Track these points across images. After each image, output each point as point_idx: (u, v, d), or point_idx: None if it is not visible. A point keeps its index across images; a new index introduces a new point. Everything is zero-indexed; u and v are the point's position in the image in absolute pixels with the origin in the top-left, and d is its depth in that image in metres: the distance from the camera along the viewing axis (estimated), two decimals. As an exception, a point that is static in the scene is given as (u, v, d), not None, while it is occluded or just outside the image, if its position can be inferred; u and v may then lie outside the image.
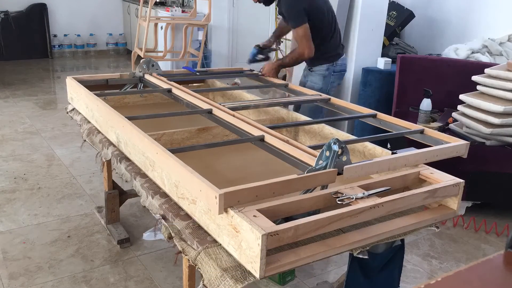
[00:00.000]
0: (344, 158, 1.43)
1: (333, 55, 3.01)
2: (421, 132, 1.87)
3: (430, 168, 1.61)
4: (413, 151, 1.63)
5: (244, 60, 5.94)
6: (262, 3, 2.95)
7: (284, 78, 4.75)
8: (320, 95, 2.42)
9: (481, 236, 2.84)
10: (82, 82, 2.37)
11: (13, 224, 2.69)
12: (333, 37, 2.97)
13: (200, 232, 1.36)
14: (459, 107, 3.04)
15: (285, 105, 2.29)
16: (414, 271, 2.47)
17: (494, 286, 0.80)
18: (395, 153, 1.63)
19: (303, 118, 2.17)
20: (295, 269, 2.33)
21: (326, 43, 2.94)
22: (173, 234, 1.40)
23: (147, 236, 2.61)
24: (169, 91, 2.35)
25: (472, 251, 2.66)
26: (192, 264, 1.32)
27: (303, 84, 3.07)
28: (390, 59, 4.12)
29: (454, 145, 1.72)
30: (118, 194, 2.66)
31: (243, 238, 1.18)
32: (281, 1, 2.86)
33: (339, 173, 1.42)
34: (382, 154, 1.73)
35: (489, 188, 2.99)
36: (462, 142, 1.75)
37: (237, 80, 2.87)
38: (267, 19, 6.49)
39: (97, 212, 2.83)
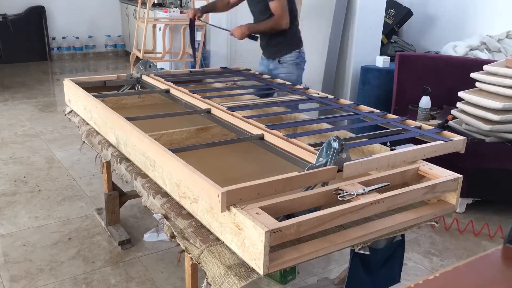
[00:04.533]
0: (344, 155, 1.44)
1: (299, 40, 2.98)
2: (419, 128, 1.88)
3: (429, 164, 1.61)
4: (411, 147, 1.64)
5: (243, 60, 5.96)
6: None
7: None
8: (318, 93, 2.42)
9: (482, 233, 2.85)
10: (80, 84, 2.37)
11: (13, 227, 2.69)
12: (297, 21, 2.95)
13: (202, 231, 1.36)
14: (458, 104, 3.04)
15: (284, 104, 2.29)
16: (415, 269, 2.47)
17: (493, 281, 0.80)
18: (394, 149, 1.64)
19: (302, 117, 2.17)
20: (297, 269, 2.33)
21: (294, 26, 2.90)
22: (175, 233, 1.41)
23: (148, 237, 2.61)
24: (167, 91, 2.36)
25: (473, 248, 2.67)
26: (196, 262, 1.32)
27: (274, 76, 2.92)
28: (389, 57, 4.13)
29: (451, 141, 1.72)
30: (118, 196, 2.66)
31: (246, 235, 1.18)
32: None
33: (339, 170, 1.43)
34: (381, 150, 1.74)
35: (489, 185, 3.00)
36: (460, 137, 1.75)
37: (236, 80, 2.88)
38: (265, 19, 6.50)
39: (97, 214, 2.83)
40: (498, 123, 2.84)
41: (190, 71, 2.89)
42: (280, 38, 2.90)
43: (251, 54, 6.56)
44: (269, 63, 3.01)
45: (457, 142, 1.74)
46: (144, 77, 2.59)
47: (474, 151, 2.89)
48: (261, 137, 1.75)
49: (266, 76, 2.81)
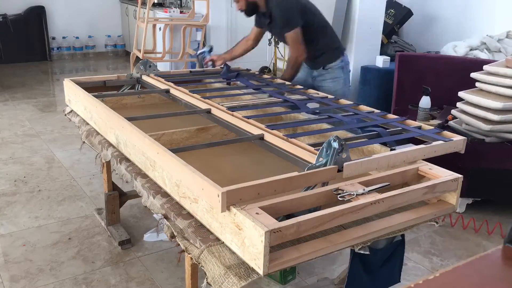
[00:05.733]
0: (344, 155, 1.44)
1: (339, 48, 2.98)
2: (419, 128, 1.88)
3: (429, 164, 1.61)
4: (411, 147, 1.64)
5: (243, 60, 5.93)
6: (244, 13, 2.91)
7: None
8: (318, 93, 2.42)
9: (482, 233, 2.85)
10: (80, 84, 2.37)
11: (13, 227, 2.69)
12: (328, 29, 2.94)
13: (202, 231, 1.36)
14: (458, 104, 3.04)
15: (283, 104, 2.29)
16: (415, 269, 2.47)
17: (493, 281, 0.80)
18: (394, 149, 1.64)
19: (301, 117, 2.17)
20: (297, 269, 2.33)
21: (327, 37, 2.92)
22: (175, 233, 1.41)
23: (148, 237, 2.61)
24: (167, 91, 2.36)
25: (473, 248, 2.67)
26: (196, 262, 1.32)
27: (317, 83, 2.98)
28: (389, 57, 4.14)
29: (451, 141, 1.73)
30: (118, 196, 2.66)
31: (246, 235, 1.18)
32: (271, 5, 2.77)
33: (339, 170, 1.43)
34: (381, 150, 1.74)
35: (489, 185, 3.00)
36: (460, 137, 1.76)
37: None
38: (265, 19, 6.50)
39: (97, 214, 2.83)
40: (498, 123, 2.84)
41: (190, 71, 2.89)
42: (320, 53, 2.91)
43: (250, 54, 6.58)
44: (312, 71, 3.01)
45: (457, 142, 1.74)
46: (144, 77, 2.59)
47: (474, 151, 2.89)
48: (261, 137, 1.75)
49: (265, 76, 2.81)
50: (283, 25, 2.74)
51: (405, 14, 4.68)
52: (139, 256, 2.47)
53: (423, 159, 1.65)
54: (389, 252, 1.61)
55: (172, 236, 1.42)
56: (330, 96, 2.37)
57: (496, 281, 0.80)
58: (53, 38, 7.20)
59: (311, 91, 2.45)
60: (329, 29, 2.95)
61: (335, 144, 1.41)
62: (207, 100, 2.15)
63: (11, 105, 4.97)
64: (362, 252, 1.37)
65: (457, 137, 1.76)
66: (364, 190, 1.37)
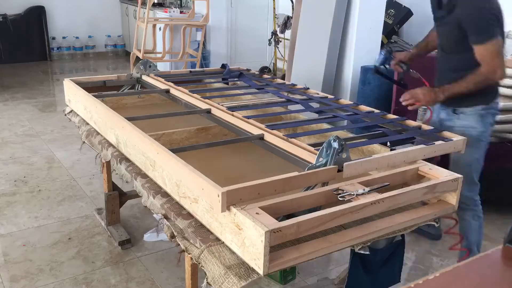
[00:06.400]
0: (344, 155, 1.44)
1: (492, 93, 2.11)
2: (419, 128, 1.88)
3: (429, 164, 1.62)
4: (411, 147, 1.64)
5: (242, 60, 5.90)
6: None
7: (283, 77, 4.75)
8: (318, 93, 2.42)
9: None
10: (80, 84, 2.38)
11: (13, 227, 2.69)
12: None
13: (202, 231, 1.37)
14: (458, 104, 3.04)
15: (283, 104, 2.29)
16: (415, 269, 2.47)
17: (492, 281, 0.80)
18: (394, 149, 1.64)
19: (301, 117, 2.17)
20: (297, 269, 2.33)
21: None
22: (175, 233, 1.41)
23: (148, 237, 2.61)
24: (167, 91, 2.36)
25: (473, 248, 2.67)
26: (196, 262, 1.33)
27: (445, 128, 2.02)
28: (389, 57, 4.11)
29: (451, 141, 1.73)
30: (118, 196, 2.66)
31: (246, 235, 1.18)
32: (458, 2, 1.98)
33: (339, 170, 1.43)
34: (381, 151, 1.74)
35: (489, 185, 2.99)
36: (460, 137, 1.76)
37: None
38: (266, 19, 6.51)
39: (97, 214, 2.83)
40: (498, 123, 2.83)
41: (190, 71, 2.89)
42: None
43: (250, 54, 6.59)
44: (440, 110, 2.22)
45: (457, 142, 1.74)
46: (144, 77, 2.59)
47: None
48: (261, 137, 1.75)
49: (266, 76, 2.81)
50: (477, 32, 1.95)
51: (405, 14, 4.68)
52: (139, 256, 2.47)
53: (423, 159, 1.65)
54: (389, 252, 1.62)
55: (172, 236, 1.43)
56: (330, 96, 2.37)
57: (496, 281, 0.80)
58: (53, 38, 7.20)
59: (311, 91, 2.45)
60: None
61: (335, 144, 1.42)
62: (207, 100, 2.15)
63: (11, 105, 4.97)
64: (362, 252, 1.38)
65: (457, 137, 1.76)
66: (364, 190, 1.37)
